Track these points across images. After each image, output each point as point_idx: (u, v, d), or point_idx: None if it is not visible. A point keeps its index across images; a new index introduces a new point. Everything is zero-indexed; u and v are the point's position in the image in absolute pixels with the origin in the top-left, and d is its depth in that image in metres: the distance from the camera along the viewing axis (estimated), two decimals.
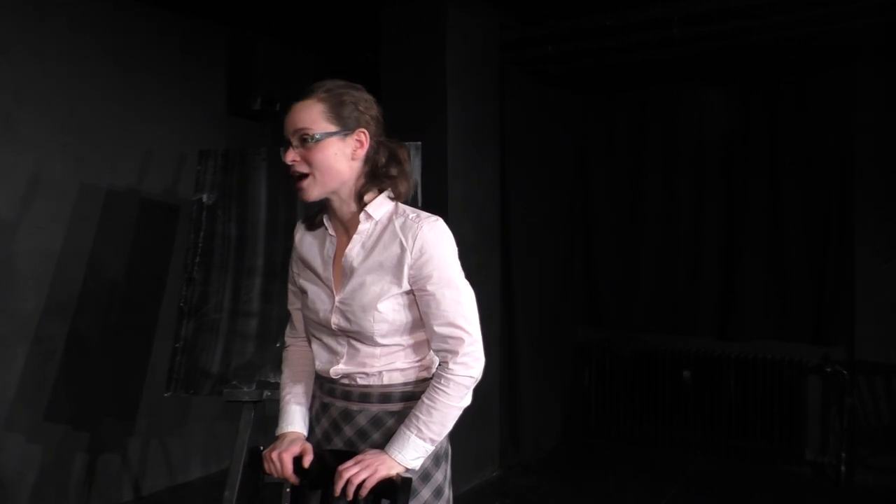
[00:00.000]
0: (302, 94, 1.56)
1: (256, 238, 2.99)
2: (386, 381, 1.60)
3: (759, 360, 4.42)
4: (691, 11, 3.63)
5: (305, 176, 1.55)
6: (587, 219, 5.04)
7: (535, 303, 4.53)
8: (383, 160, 1.60)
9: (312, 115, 1.53)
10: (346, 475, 1.47)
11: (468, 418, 4.14)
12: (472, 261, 3.92)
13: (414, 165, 3.00)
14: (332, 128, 1.54)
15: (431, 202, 3.60)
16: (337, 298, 1.59)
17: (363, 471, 1.47)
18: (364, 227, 1.59)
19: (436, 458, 1.63)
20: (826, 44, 3.97)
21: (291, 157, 1.54)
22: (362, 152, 1.58)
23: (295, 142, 1.54)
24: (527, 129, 4.41)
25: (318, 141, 1.52)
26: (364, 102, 1.59)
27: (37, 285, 3.49)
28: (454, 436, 3.91)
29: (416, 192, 2.97)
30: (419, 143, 3.03)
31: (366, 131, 1.57)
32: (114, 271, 3.83)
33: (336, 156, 1.54)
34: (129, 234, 3.91)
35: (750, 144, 4.45)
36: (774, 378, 4.37)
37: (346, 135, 1.55)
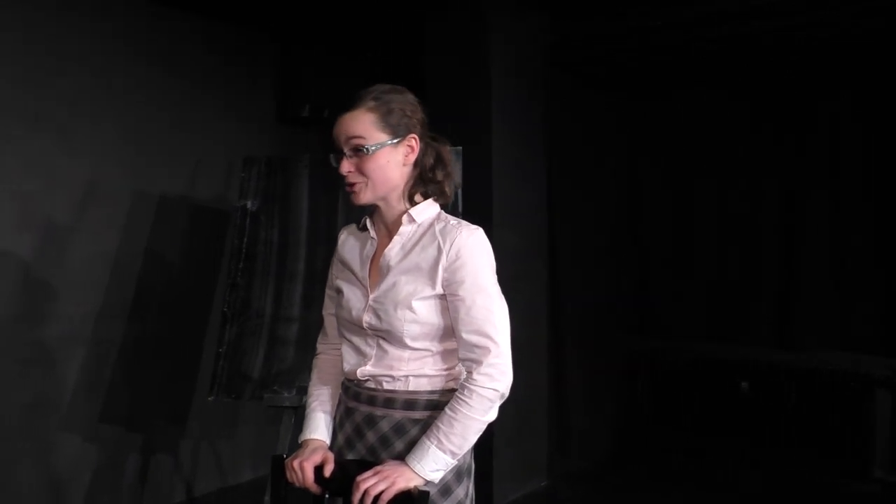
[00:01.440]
0: (350, 103, 1.58)
1: (298, 244, 3.01)
2: (412, 387, 1.58)
3: (823, 372, 4.22)
4: (741, 8, 3.50)
5: (358, 183, 1.58)
6: (637, 224, 4.92)
7: (584, 310, 4.44)
8: (431, 162, 1.64)
9: (364, 126, 1.55)
10: (364, 486, 1.44)
11: (514, 425, 4.08)
12: (518, 268, 3.86)
13: (455, 171, 2.96)
14: (385, 137, 1.56)
15: (474, 208, 3.56)
16: (371, 297, 1.60)
17: (381, 482, 1.45)
18: (406, 228, 1.60)
19: (457, 474, 1.59)
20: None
21: (347, 167, 1.57)
22: (413, 157, 1.61)
23: (348, 151, 1.57)
24: (574, 133, 4.34)
25: (373, 152, 1.54)
26: (411, 106, 1.61)
27: (92, 290, 3.59)
28: (499, 443, 3.85)
29: (456, 198, 2.94)
30: (460, 148, 2.99)
31: (416, 137, 1.60)
32: (166, 276, 3.92)
33: (389, 164, 1.57)
34: (181, 240, 3.99)
35: (810, 145, 4.26)
36: (839, 390, 4.17)
37: (398, 142, 1.57)
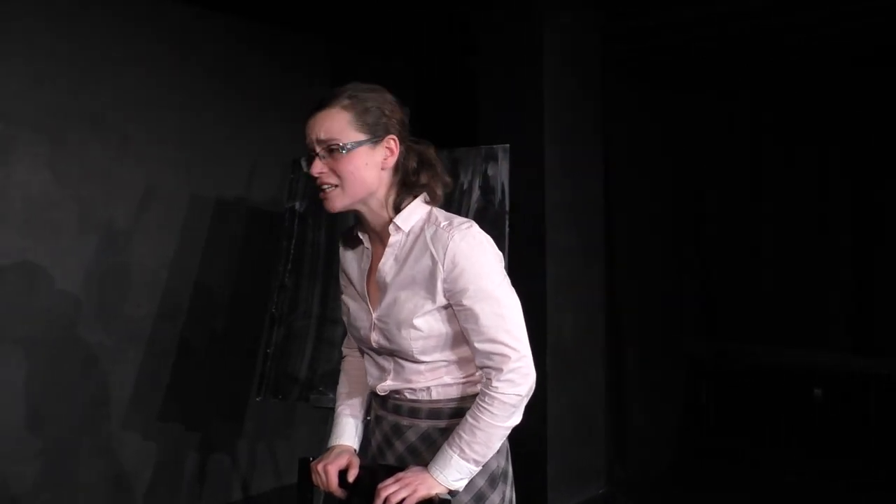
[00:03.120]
0: (323, 101, 1.47)
1: None
2: (434, 395, 1.53)
3: None
4: None
5: (331, 186, 1.48)
6: (700, 222, 4.74)
7: (643, 312, 4.30)
8: (413, 165, 1.52)
9: (339, 125, 1.45)
10: (385, 493, 1.40)
11: (569, 430, 3.97)
12: (573, 268, 3.76)
13: (501, 169, 2.90)
14: (361, 136, 1.45)
15: (525, 208, 3.49)
16: (374, 315, 1.54)
17: (402, 489, 1.40)
18: (395, 238, 1.51)
19: (491, 480, 1.53)
20: None
21: (319, 168, 1.46)
22: (393, 160, 1.49)
23: (321, 152, 1.46)
24: (632, 130, 4.21)
25: (348, 151, 1.45)
26: (389, 106, 1.50)
27: (150, 292, 3.68)
28: (553, 448, 3.75)
29: (503, 197, 2.87)
30: (507, 145, 2.92)
31: (395, 138, 1.49)
32: (221, 278, 3.99)
33: (366, 166, 1.46)
34: (236, 243, 4.06)
35: (882, 140, 4.01)
36: None
37: (375, 143, 1.47)
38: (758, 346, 4.50)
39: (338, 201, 1.48)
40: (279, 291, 3.00)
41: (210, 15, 3.86)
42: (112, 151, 3.52)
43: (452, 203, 2.92)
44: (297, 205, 3.11)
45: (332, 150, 1.45)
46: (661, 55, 3.98)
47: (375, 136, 1.47)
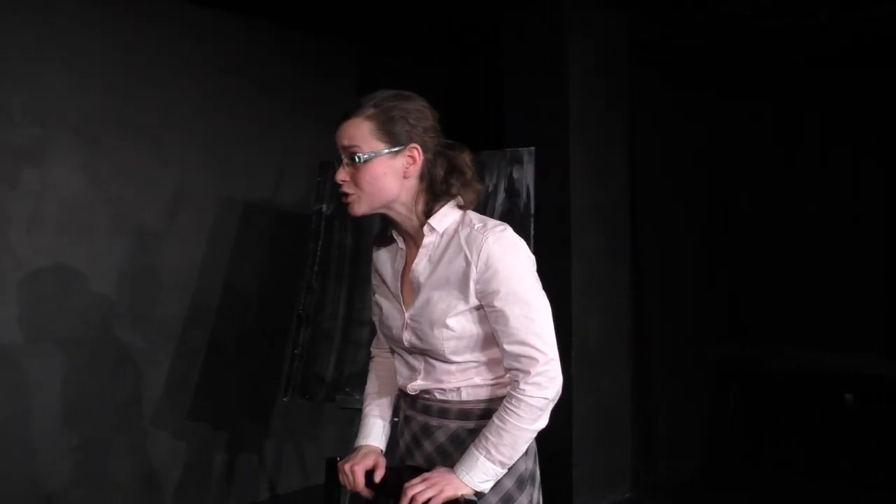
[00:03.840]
0: (350, 110, 1.50)
1: (370, 248, 3.02)
2: (465, 396, 1.55)
3: None
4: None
5: (352, 192, 1.51)
6: (729, 223, 4.69)
7: (670, 314, 4.27)
8: (441, 174, 1.53)
9: (361, 133, 1.47)
10: (411, 493, 1.42)
11: (595, 434, 3.96)
12: (598, 270, 3.75)
13: (526, 171, 2.91)
14: (381, 145, 1.48)
15: (550, 211, 3.49)
16: (407, 315, 1.56)
17: (429, 489, 1.42)
18: (429, 239, 1.53)
19: (519, 482, 1.54)
20: None
21: (342, 175, 1.50)
22: (415, 169, 1.51)
23: (345, 159, 1.50)
24: (660, 132, 4.19)
25: (366, 161, 1.47)
26: (415, 114, 1.51)
27: (180, 293, 3.74)
28: (579, 450, 3.74)
29: (528, 200, 2.88)
30: (532, 148, 2.93)
31: (418, 147, 1.50)
32: (249, 279, 4.04)
33: (385, 175, 1.48)
34: (264, 244, 4.11)
35: None
36: None
37: (396, 152, 1.49)
38: (787, 350, 4.44)
39: (358, 207, 1.51)
40: (306, 293, 3.04)
41: (238, 21, 3.92)
42: (144, 155, 3.59)
43: (477, 205, 2.94)
44: (324, 207, 3.14)
45: (353, 158, 1.48)
46: (688, 56, 3.96)
47: (396, 145, 1.48)
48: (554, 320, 1.53)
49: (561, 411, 3.40)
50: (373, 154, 1.47)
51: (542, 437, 1.55)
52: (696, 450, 4.58)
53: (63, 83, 3.32)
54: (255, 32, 4.01)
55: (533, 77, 3.79)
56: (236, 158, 3.95)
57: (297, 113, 4.20)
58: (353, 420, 4.29)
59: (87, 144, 3.40)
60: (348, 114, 1.50)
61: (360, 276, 3.02)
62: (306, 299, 3.03)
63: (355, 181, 1.49)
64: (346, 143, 1.48)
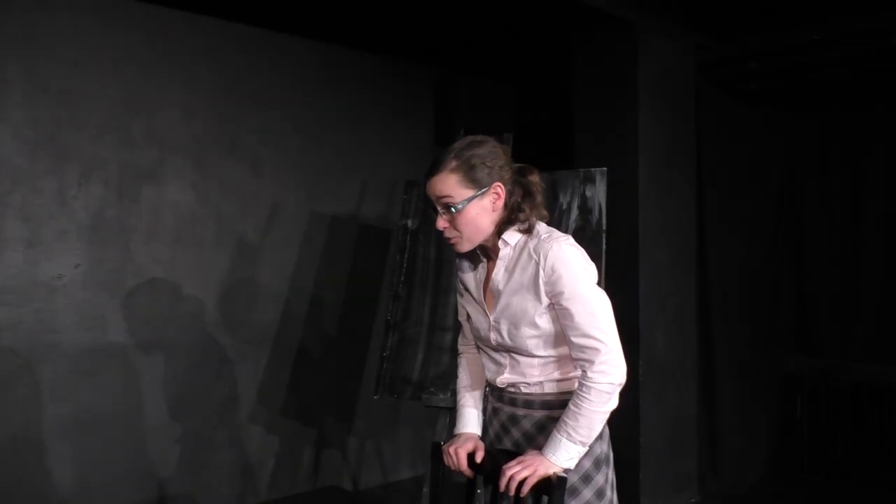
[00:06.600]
0: (434, 165, 1.72)
1: (452, 260, 3.28)
2: (547, 389, 1.78)
3: None
4: None
5: (455, 236, 1.75)
6: (798, 240, 4.75)
7: (737, 328, 4.37)
8: (518, 200, 1.75)
9: (450, 185, 1.70)
10: (510, 473, 1.66)
11: (663, 440, 4.13)
12: (666, 283, 3.91)
13: (598, 190, 3.13)
14: (469, 192, 1.70)
15: (620, 228, 3.67)
16: (491, 318, 1.80)
17: (524, 469, 1.65)
18: (504, 252, 1.77)
19: (595, 462, 1.76)
20: None
21: (442, 224, 1.74)
22: (501, 202, 1.74)
23: (441, 209, 1.73)
24: (726, 151, 4.30)
25: (460, 211, 1.71)
26: (491, 156, 1.72)
27: (275, 299, 4.08)
28: (647, 456, 3.90)
29: (600, 217, 3.09)
30: (604, 168, 3.14)
31: (501, 184, 1.74)
32: (334, 288, 4.35)
33: (479, 215, 1.72)
34: (349, 255, 4.42)
35: None
36: None
37: (483, 193, 1.71)
38: (857, 364, 4.48)
39: (462, 246, 1.77)
40: (394, 300, 3.31)
41: (325, 48, 4.23)
42: (245, 173, 3.94)
43: (552, 222, 3.15)
44: (410, 222, 3.41)
45: (448, 208, 1.72)
46: (755, 76, 4.08)
47: (482, 188, 1.72)
48: (622, 331, 1.75)
49: (629, 417, 3.61)
50: (465, 202, 1.71)
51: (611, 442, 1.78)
52: (761, 459, 4.65)
53: (176, 109, 3.70)
54: (342, 59, 4.32)
55: (603, 99, 3.94)
56: (324, 176, 4.28)
57: (379, 134, 4.50)
58: (431, 421, 4.56)
59: (197, 165, 3.77)
60: (434, 170, 1.72)
61: (442, 286, 3.27)
62: (394, 306, 3.30)
63: (454, 226, 1.74)
64: (438, 195, 1.72)
